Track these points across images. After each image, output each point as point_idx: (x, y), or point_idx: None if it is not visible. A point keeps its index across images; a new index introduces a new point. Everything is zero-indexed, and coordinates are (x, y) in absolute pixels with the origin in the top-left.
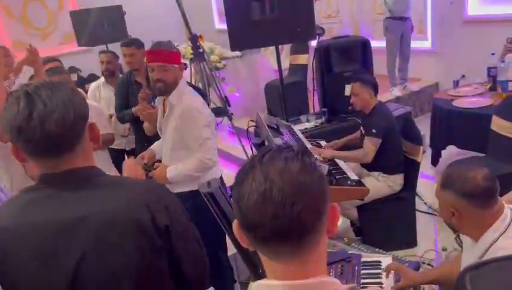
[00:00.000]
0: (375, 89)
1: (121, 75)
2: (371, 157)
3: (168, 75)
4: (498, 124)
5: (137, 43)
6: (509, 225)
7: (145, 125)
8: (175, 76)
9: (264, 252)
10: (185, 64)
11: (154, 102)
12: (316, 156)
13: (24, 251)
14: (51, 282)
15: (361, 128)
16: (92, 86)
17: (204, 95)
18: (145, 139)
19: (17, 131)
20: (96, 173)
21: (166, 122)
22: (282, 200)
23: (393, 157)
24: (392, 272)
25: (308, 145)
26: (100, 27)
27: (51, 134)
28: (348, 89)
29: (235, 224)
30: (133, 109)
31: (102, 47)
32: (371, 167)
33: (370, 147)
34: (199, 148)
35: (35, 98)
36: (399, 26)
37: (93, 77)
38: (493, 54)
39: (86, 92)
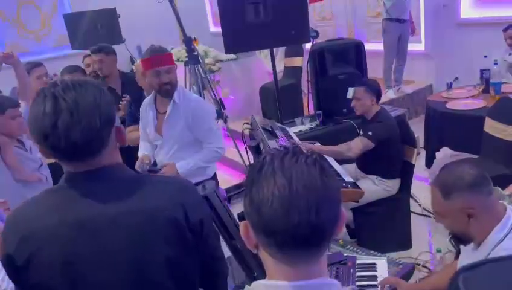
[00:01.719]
0: (377, 96)
1: None
2: (354, 154)
3: (174, 77)
4: (491, 126)
5: (107, 50)
6: None
7: (129, 136)
8: (176, 76)
9: (276, 257)
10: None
11: (131, 107)
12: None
13: (53, 251)
14: (87, 280)
15: (360, 131)
16: None
17: None
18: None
19: (43, 137)
20: (121, 169)
21: (168, 122)
22: (307, 208)
23: (392, 164)
24: (388, 285)
25: (296, 139)
26: (94, 30)
27: (77, 143)
28: (350, 92)
29: (244, 225)
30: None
31: None
32: (368, 169)
33: (358, 144)
34: (212, 139)
35: (61, 103)
36: (396, 27)
37: None
38: (486, 56)
39: None
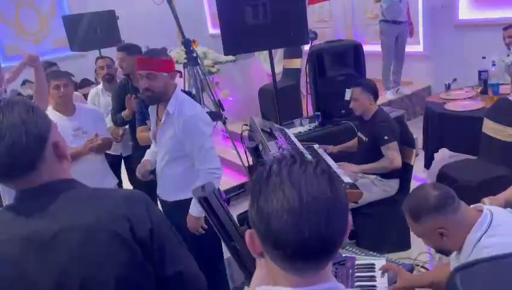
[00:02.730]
0: (375, 95)
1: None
2: (399, 162)
3: (156, 84)
4: (489, 127)
5: (130, 49)
6: (490, 224)
7: (140, 135)
8: (164, 84)
9: (283, 267)
10: (179, 72)
11: (143, 107)
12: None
13: (6, 269)
14: None
15: (359, 133)
16: (92, 92)
17: (194, 99)
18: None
19: None
20: (68, 186)
21: (162, 131)
22: (318, 221)
23: None
24: (386, 273)
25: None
26: (93, 32)
27: (3, 161)
28: (348, 94)
29: (249, 234)
30: (123, 113)
31: (95, 52)
32: None
33: (391, 152)
34: (204, 159)
35: None
36: (393, 29)
37: (86, 82)
38: (484, 57)
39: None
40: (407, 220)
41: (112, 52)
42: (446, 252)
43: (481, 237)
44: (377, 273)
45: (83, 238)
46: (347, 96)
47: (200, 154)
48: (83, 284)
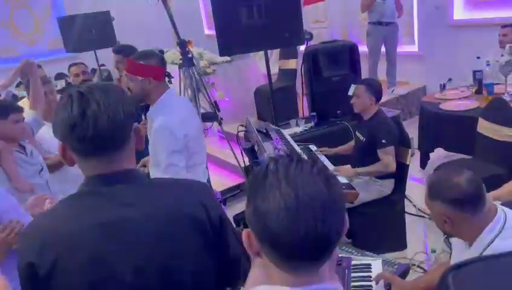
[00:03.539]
0: (377, 97)
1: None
2: (393, 166)
3: (131, 85)
4: (484, 127)
5: (126, 52)
6: (503, 226)
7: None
8: (141, 88)
9: (280, 266)
10: (167, 76)
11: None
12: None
13: (80, 256)
14: (110, 282)
15: (357, 132)
16: None
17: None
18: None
19: (71, 128)
20: (141, 175)
21: (149, 136)
22: (315, 220)
23: None
24: (382, 280)
25: (291, 141)
26: (88, 33)
27: (104, 132)
28: (352, 89)
29: (246, 234)
30: None
31: (91, 53)
32: None
33: (387, 157)
34: (165, 173)
35: (89, 97)
36: (379, 31)
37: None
38: (478, 57)
39: None
40: (426, 186)
41: (107, 52)
42: (448, 235)
43: (494, 239)
44: (373, 274)
45: (164, 224)
46: (350, 92)
47: (162, 166)
48: (163, 267)
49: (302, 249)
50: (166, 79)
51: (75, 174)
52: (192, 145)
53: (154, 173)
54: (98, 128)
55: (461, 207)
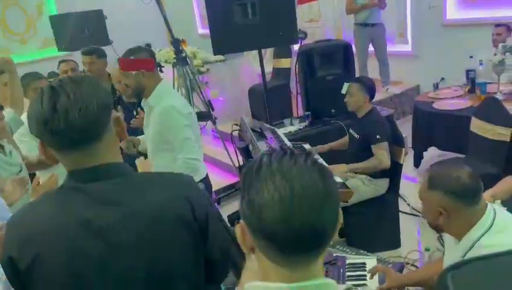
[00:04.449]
0: (371, 95)
1: None
2: (387, 163)
3: (128, 81)
4: (477, 126)
5: (99, 53)
6: (492, 223)
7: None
8: (137, 82)
9: (275, 260)
10: (157, 67)
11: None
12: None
13: (60, 252)
14: (96, 281)
15: (351, 130)
16: None
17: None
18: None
19: (43, 123)
20: (127, 169)
21: (147, 124)
22: (310, 211)
23: None
24: (377, 273)
25: (286, 140)
26: (80, 32)
27: (75, 124)
28: (345, 87)
29: (240, 228)
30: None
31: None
32: None
33: (382, 153)
34: (181, 149)
35: (59, 90)
36: (365, 32)
37: None
38: (471, 56)
39: None
40: (423, 181)
41: None
42: (437, 229)
43: (481, 236)
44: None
45: (149, 222)
46: (343, 90)
47: (177, 144)
48: (149, 265)
49: (297, 241)
50: (158, 69)
51: (60, 173)
52: (195, 126)
53: (166, 156)
54: (69, 121)
55: (461, 198)
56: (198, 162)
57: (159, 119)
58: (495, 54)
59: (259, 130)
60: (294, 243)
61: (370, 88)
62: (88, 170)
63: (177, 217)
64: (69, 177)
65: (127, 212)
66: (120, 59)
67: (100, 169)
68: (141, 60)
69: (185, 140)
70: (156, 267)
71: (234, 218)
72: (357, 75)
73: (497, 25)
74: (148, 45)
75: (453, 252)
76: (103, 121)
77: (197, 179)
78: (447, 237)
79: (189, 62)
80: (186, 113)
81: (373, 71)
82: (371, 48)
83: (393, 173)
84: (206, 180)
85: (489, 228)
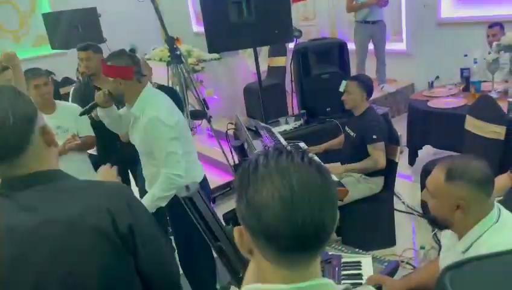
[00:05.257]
0: (368, 93)
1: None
2: (383, 163)
3: (109, 87)
4: (472, 124)
5: (94, 48)
6: (496, 221)
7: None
8: (115, 89)
9: (275, 260)
10: (139, 74)
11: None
12: None
13: None
14: (11, 287)
15: (347, 127)
16: (72, 90)
17: (176, 96)
18: (108, 145)
19: None
20: (55, 176)
21: (132, 134)
22: (310, 209)
23: None
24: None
25: (281, 139)
26: (74, 29)
27: None
28: (343, 85)
29: (238, 231)
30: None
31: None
32: None
33: (377, 153)
34: (165, 163)
35: None
36: (365, 29)
37: (67, 81)
38: (466, 55)
39: (61, 95)
40: (433, 174)
41: None
42: (443, 225)
43: (482, 234)
44: (363, 271)
45: (65, 232)
46: (341, 88)
47: (161, 158)
48: (64, 277)
49: (299, 240)
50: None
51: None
52: (185, 131)
53: (151, 166)
54: None
55: (484, 187)
56: (179, 179)
57: (144, 130)
58: (489, 53)
59: (254, 128)
60: (296, 241)
61: (368, 86)
62: (17, 179)
63: (94, 228)
64: (1, 185)
65: (42, 220)
66: (102, 62)
67: (28, 179)
68: (119, 68)
69: (169, 154)
70: (72, 278)
71: (229, 217)
72: (354, 73)
73: (491, 26)
74: (133, 50)
75: (453, 249)
76: (24, 133)
77: (194, 180)
78: (442, 235)
79: (183, 60)
80: (172, 124)
81: (369, 69)
82: (370, 47)
83: (388, 171)
84: (204, 182)
85: (490, 227)
